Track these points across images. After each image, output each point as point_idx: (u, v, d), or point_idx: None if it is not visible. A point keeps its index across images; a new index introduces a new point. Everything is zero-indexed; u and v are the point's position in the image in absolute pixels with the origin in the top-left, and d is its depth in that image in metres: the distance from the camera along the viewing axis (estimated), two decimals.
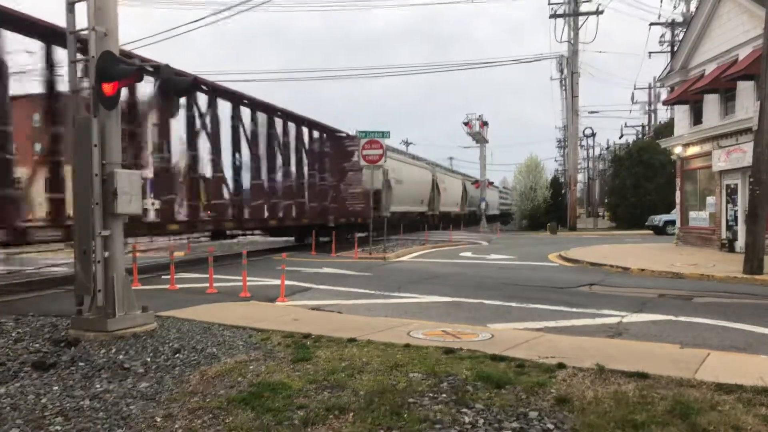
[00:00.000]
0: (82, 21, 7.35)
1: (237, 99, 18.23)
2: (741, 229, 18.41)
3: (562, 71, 46.44)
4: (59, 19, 8.90)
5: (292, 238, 25.50)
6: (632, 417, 4.39)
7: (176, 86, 8.80)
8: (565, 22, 42.15)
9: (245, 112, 18.51)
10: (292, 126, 21.36)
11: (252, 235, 23.58)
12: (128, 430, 4.30)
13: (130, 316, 7.27)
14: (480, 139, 50.97)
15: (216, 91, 17.02)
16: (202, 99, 16.37)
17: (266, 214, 19.41)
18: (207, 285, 11.78)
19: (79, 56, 7.60)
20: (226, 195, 17.58)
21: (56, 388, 5.22)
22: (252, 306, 9.95)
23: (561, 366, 5.76)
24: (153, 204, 14.86)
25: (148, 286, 12.09)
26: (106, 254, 7.12)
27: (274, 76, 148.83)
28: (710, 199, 21.32)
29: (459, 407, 4.65)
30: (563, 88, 47.19)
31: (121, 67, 7.16)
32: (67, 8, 7.42)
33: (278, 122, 20.34)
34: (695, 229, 22.70)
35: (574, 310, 9.75)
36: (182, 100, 15.20)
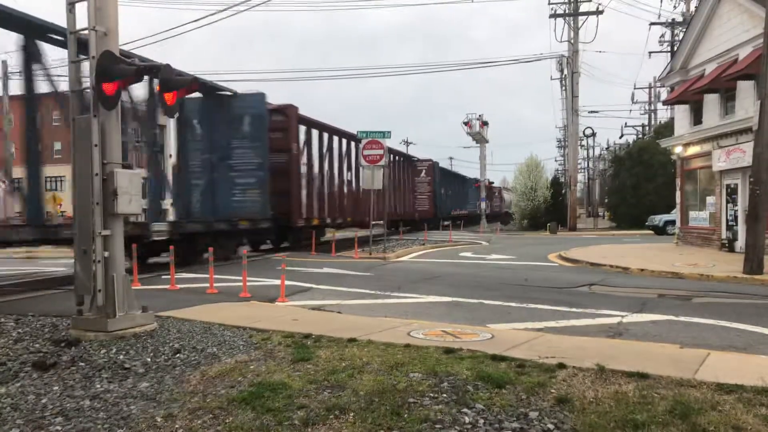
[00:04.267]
0: (82, 21, 7.37)
1: None
2: (741, 229, 18.40)
3: (562, 71, 46.32)
4: (59, 19, 8.89)
5: None
6: (632, 417, 4.38)
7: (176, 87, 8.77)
8: (565, 22, 42.07)
9: None
10: None
11: None
12: (129, 430, 4.29)
13: (130, 316, 7.27)
14: (480, 138, 50.95)
15: None
16: None
17: None
18: (207, 285, 11.78)
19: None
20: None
21: (56, 388, 5.22)
22: (252, 306, 9.95)
23: (561, 366, 5.76)
24: None
25: (149, 286, 12.09)
26: (106, 254, 7.12)
27: (270, 75, 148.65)
28: (710, 199, 21.31)
29: (459, 407, 4.65)
30: (563, 87, 47.03)
31: (121, 67, 7.16)
32: (68, 8, 7.42)
33: None
34: (695, 229, 22.69)
35: (574, 310, 9.75)
36: None
